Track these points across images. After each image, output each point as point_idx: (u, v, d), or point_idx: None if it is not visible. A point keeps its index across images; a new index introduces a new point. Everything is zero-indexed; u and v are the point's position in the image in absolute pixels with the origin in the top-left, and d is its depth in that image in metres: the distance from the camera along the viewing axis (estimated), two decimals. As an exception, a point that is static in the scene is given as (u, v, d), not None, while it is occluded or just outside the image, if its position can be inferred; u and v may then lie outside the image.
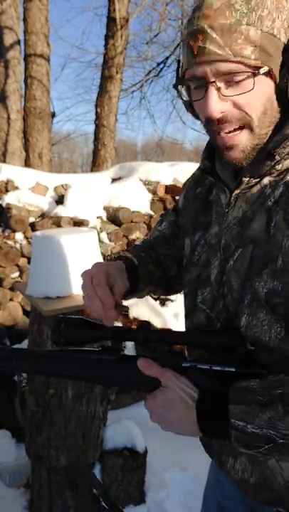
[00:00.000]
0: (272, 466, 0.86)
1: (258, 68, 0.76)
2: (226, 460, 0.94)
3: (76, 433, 2.02)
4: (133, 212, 3.49)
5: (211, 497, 1.12)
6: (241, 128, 0.81)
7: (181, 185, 3.72)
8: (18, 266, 3.15)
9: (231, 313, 0.87)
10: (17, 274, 3.15)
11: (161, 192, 3.63)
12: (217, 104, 0.78)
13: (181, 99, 0.88)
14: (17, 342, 3.07)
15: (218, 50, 0.75)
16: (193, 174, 1.07)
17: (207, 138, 0.92)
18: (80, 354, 0.88)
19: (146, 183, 3.66)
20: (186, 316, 1.00)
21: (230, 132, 0.81)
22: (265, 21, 0.75)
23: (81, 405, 2.01)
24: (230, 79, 0.77)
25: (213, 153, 0.92)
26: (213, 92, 0.78)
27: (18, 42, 5.41)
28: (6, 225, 3.18)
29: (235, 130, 0.81)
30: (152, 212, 3.59)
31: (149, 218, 3.58)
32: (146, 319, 3.03)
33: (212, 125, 0.82)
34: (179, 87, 0.85)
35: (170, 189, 3.67)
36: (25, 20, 5.59)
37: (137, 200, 3.56)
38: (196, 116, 0.89)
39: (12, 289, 3.13)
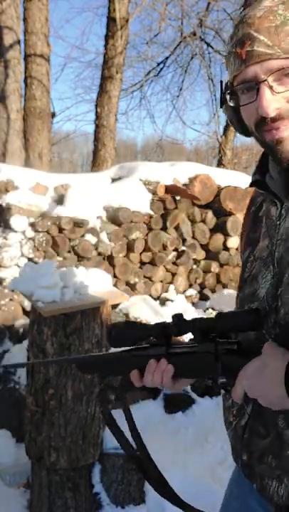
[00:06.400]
0: None
1: None
2: (269, 484, 0.89)
3: (76, 433, 2.01)
4: (133, 212, 3.49)
5: None
6: None
7: (181, 185, 3.72)
8: (18, 266, 3.15)
9: (283, 327, 0.84)
10: (17, 274, 3.15)
11: (161, 192, 3.63)
12: (271, 102, 0.78)
13: (226, 114, 0.90)
14: (17, 342, 3.06)
15: (268, 50, 0.77)
16: (251, 197, 1.05)
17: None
18: (136, 352, 0.96)
19: (146, 183, 3.66)
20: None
21: (279, 128, 0.80)
22: None
23: (81, 405, 2.00)
24: (280, 76, 0.78)
25: (264, 168, 0.92)
26: (266, 90, 0.78)
27: (18, 42, 5.40)
28: (6, 225, 3.18)
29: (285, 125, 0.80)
30: (152, 212, 3.59)
31: (149, 218, 3.58)
32: (146, 319, 3.02)
33: (264, 125, 0.81)
34: (228, 97, 0.86)
35: (170, 189, 3.66)
36: (25, 20, 5.58)
37: (137, 200, 3.56)
38: (244, 131, 0.89)
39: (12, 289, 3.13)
